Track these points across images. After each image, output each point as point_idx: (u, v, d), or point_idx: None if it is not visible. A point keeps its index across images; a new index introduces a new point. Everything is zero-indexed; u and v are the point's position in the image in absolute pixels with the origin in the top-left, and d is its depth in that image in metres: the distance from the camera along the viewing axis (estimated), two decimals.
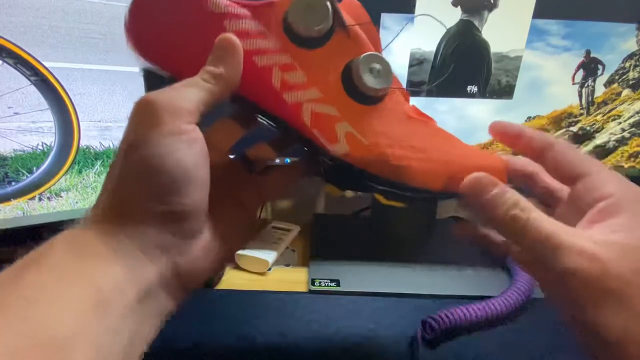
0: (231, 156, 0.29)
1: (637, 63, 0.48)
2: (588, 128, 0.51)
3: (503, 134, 0.27)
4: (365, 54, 0.24)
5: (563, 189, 0.25)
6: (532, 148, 0.25)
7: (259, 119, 0.27)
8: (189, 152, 0.20)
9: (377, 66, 0.24)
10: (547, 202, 0.26)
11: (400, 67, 0.47)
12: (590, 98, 0.49)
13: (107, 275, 0.18)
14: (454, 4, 0.45)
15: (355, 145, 0.24)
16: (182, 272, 0.21)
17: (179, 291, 0.22)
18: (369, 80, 0.24)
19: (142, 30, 0.24)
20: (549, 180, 0.26)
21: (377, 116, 0.25)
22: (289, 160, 0.48)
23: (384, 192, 0.25)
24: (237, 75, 0.23)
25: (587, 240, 0.19)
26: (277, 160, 0.47)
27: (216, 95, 0.22)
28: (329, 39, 0.24)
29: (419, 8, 0.44)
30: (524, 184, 0.27)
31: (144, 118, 0.20)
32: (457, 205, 0.26)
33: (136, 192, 0.20)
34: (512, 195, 0.22)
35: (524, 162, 0.27)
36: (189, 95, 0.21)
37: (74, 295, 0.17)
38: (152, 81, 0.33)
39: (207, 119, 0.23)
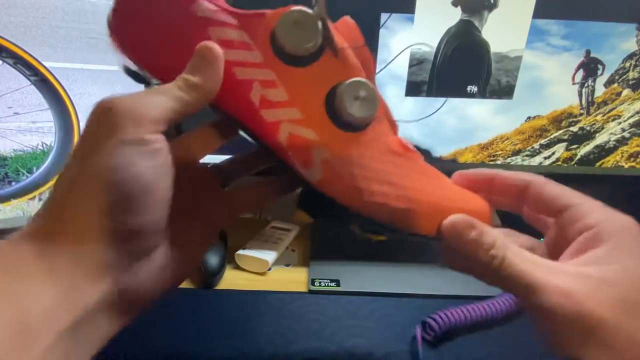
0: (207, 165, 0.27)
1: (637, 63, 0.48)
2: (588, 128, 0.51)
3: (474, 181, 0.26)
4: (350, 80, 0.23)
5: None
6: (510, 188, 0.25)
7: (239, 131, 0.26)
8: (149, 164, 0.18)
9: (363, 93, 0.23)
10: (538, 228, 0.25)
11: (400, 67, 0.47)
12: (590, 98, 0.49)
13: (38, 298, 0.16)
14: (454, 4, 0.45)
15: (330, 174, 0.23)
16: (129, 293, 0.19)
17: (124, 314, 0.20)
18: (352, 108, 0.23)
19: (125, 27, 0.23)
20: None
21: (357, 145, 0.23)
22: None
23: (358, 225, 0.25)
24: (214, 86, 0.21)
25: (562, 276, 0.19)
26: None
27: (189, 105, 0.21)
28: (317, 59, 0.23)
29: (419, 8, 0.44)
30: (513, 209, 0.26)
31: (101, 124, 0.18)
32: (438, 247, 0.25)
33: (85, 206, 0.18)
34: (490, 236, 0.21)
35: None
36: (157, 102, 0.19)
37: None
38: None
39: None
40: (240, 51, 0.22)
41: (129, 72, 0.25)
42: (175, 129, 0.43)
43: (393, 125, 0.25)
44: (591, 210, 0.21)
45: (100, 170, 0.18)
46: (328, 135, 0.23)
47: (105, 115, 0.18)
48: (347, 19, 0.24)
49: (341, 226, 0.25)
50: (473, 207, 0.25)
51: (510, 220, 0.26)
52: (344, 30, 0.24)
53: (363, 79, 0.23)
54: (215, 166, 0.28)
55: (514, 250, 0.21)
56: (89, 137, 0.19)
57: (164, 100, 0.20)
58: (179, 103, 0.20)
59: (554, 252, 0.23)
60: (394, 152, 0.24)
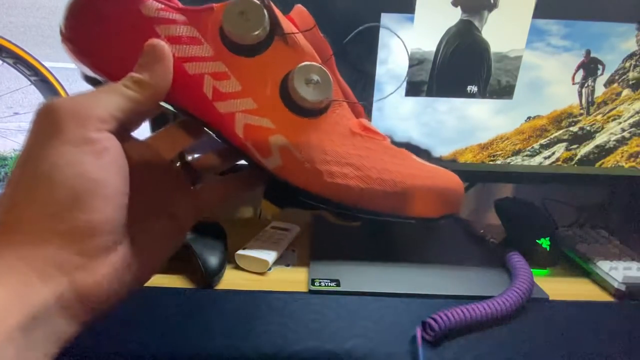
0: (177, 164, 0.27)
1: (637, 63, 0.48)
2: (588, 128, 0.51)
3: None
4: (301, 65, 0.23)
5: None
6: None
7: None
8: (95, 162, 0.18)
9: (315, 77, 0.23)
10: None
11: (400, 67, 0.47)
12: (590, 98, 0.49)
13: None
14: (454, 4, 0.45)
15: (289, 160, 0.23)
16: (88, 293, 0.19)
17: (83, 314, 0.19)
18: (305, 92, 0.22)
19: (76, 33, 0.23)
20: None
21: (315, 130, 0.23)
22: None
23: (328, 211, 0.24)
24: (163, 83, 0.22)
25: None
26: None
27: (139, 102, 0.21)
28: (267, 47, 0.23)
29: (419, 8, 0.44)
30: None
31: (45, 126, 0.18)
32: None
33: (31, 208, 0.18)
34: None
35: None
36: (103, 102, 0.19)
37: None
38: None
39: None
40: (189, 46, 0.23)
41: (88, 79, 0.25)
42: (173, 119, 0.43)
43: (356, 108, 0.25)
44: None
45: (44, 170, 0.18)
46: (284, 123, 0.23)
47: (49, 116, 0.18)
48: (299, 6, 0.25)
49: (312, 210, 0.25)
50: (444, 184, 0.24)
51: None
52: (295, 17, 0.24)
53: (314, 63, 0.23)
54: (185, 164, 0.28)
55: None
56: (33, 139, 0.19)
57: (110, 98, 0.20)
58: (127, 101, 0.20)
59: None
60: (354, 134, 0.24)
